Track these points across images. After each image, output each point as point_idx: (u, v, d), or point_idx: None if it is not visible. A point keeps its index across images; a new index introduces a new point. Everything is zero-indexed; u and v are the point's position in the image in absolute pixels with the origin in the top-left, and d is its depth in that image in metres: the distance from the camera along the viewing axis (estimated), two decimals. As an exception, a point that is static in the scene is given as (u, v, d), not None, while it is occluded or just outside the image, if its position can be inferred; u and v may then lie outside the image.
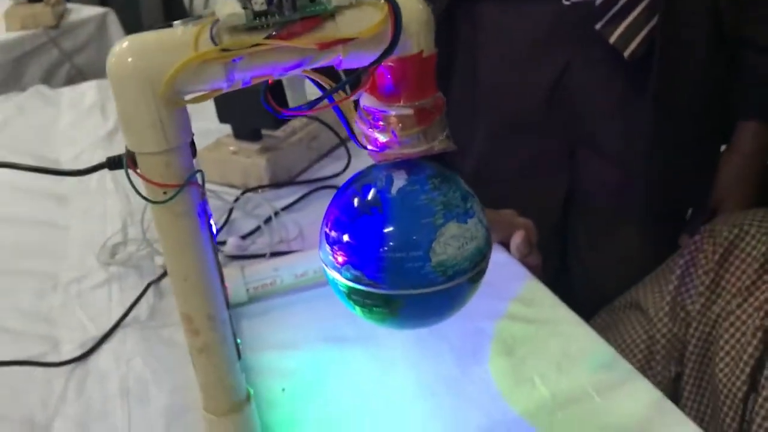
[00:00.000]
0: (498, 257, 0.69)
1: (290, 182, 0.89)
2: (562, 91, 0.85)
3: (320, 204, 0.85)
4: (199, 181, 0.40)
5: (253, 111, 0.84)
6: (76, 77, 1.83)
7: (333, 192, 0.85)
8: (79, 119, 1.17)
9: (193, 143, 0.40)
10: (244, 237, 0.77)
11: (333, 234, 0.44)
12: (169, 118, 0.37)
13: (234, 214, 0.82)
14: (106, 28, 1.99)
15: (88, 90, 1.28)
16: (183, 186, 0.39)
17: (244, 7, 0.36)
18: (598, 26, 0.78)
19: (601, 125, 0.86)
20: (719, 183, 0.91)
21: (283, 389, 0.56)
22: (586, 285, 0.98)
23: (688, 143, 0.87)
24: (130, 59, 0.36)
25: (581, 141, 0.88)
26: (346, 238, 0.43)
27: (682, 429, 0.50)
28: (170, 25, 0.37)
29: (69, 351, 0.63)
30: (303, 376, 0.58)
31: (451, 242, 0.41)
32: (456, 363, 0.58)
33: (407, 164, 0.43)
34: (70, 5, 2.02)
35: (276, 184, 0.88)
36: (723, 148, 0.94)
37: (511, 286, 0.66)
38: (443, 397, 0.54)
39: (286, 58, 0.38)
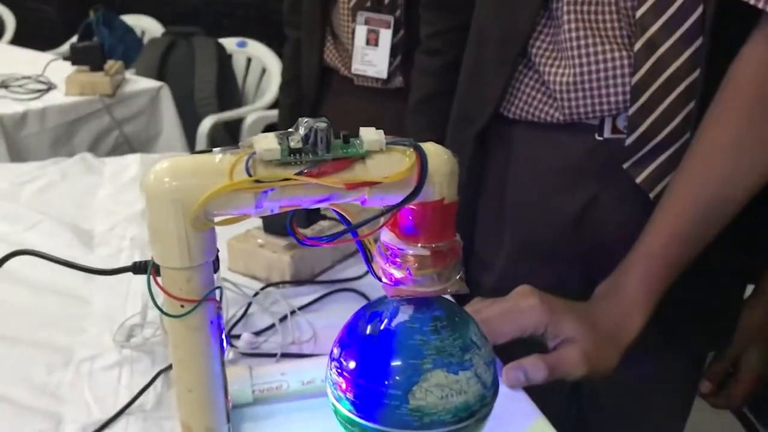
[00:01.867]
0: (507, 390, 0.69)
1: (311, 281, 0.91)
2: (588, 223, 0.86)
3: (337, 306, 0.86)
4: (217, 297, 0.42)
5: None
6: (123, 145, 1.90)
7: (352, 294, 0.88)
8: (119, 191, 1.21)
9: (217, 259, 0.42)
10: (257, 333, 0.78)
11: (335, 350, 0.46)
12: (195, 238, 0.39)
13: (252, 309, 0.83)
14: (159, 101, 2.07)
15: (132, 163, 1.32)
16: (200, 302, 0.40)
17: (280, 143, 0.39)
18: (626, 165, 0.80)
19: None
20: (742, 330, 0.90)
21: (275, 502, 0.56)
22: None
23: (710, 282, 0.86)
24: (166, 179, 0.38)
25: (604, 274, 0.89)
26: (341, 356, 0.45)
27: None
28: (210, 151, 0.40)
29: (71, 432, 0.63)
30: (297, 491, 0.57)
31: (434, 390, 0.42)
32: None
33: (420, 301, 0.44)
34: (128, 76, 2.12)
35: (297, 282, 0.89)
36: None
37: (518, 424, 0.65)
38: None
39: (315, 194, 0.40)
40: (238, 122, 2.71)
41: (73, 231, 1.03)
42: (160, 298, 0.41)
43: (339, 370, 0.45)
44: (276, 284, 0.89)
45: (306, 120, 0.39)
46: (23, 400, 0.68)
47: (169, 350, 0.42)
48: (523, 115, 0.86)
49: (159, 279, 0.41)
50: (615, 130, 0.80)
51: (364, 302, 0.85)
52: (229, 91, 2.79)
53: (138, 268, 0.43)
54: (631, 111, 0.77)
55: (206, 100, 2.65)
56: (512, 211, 0.92)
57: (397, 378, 0.42)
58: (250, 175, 0.38)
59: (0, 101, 1.85)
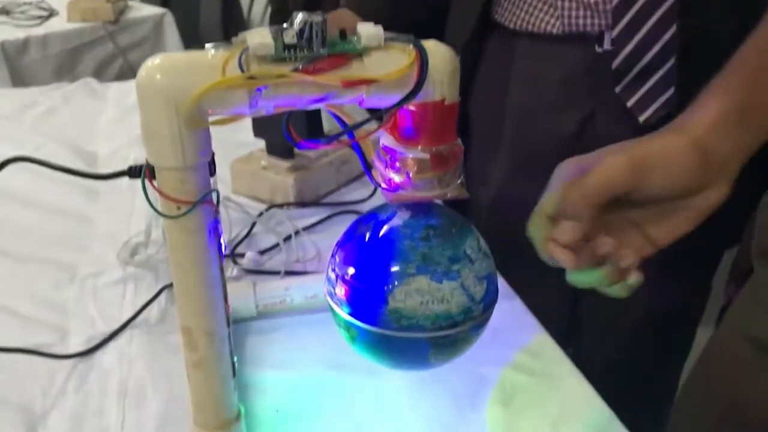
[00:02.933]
0: (512, 306, 0.69)
1: (315, 203, 0.90)
2: (585, 141, 0.85)
3: (341, 228, 0.84)
4: (214, 200, 0.41)
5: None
6: (127, 73, 1.88)
7: (354, 217, 0.87)
8: (122, 116, 1.20)
9: (213, 162, 0.41)
10: (262, 252, 0.78)
11: (334, 250, 0.47)
12: (189, 137, 0.38)
13: (256, 228, 0.83)
14: (163, 29, 2.04)
15: (135, 88, 1.31)
16: (196, 204, 0.39)
17: (275, 39, 0.37)
18: (617, 89, 0.78)
19: None
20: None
21: (278, 410, 0.57)
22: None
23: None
24: (158, 75, 0.37)
25: None
26: (336, 254, 0.46)
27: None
28: (203, 47, 0.39)
29: (76, 344, 0.64)
30: (299, 400, 0.58)
31: (414, 295, 0.42)
32: (453, 407, 0.57)
33: (418, 207, 0.43)
34: (130, 2, 2.08)
35: (301, 203, 0.89)
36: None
37: (520, 337, 0.65)
38: (435, 439, 0.54)
39: (310, 92, 0.38)
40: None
41: (76, 153, 1.03)
42: (157, 202, 0.41)
43: (332, 267, 0.45)
44: (280, 205, 0.88)
45: (300, 14, 0.37)
46: (30, 314, 0.68)
47: (168, 251, 0.42)
48: (524, 26, 0.84)
49: (155, 182, 0.40)
50: (614, 42, 0.78)
51: (368, 223, 0.85)
52: (234, 18, 2.74)
53: (134, 171, 0.42)
54: (615, 32, 0.76)
55: (210, 28, 2.61)
56: (512, 122, 0.90)
57: (381, 278, 0.42)
58: (243, 71, 0.37)
59: (1, 27, 1.82)
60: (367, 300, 0.43)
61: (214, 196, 0.41)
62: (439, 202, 0.44)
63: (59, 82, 1.42)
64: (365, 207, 0.89)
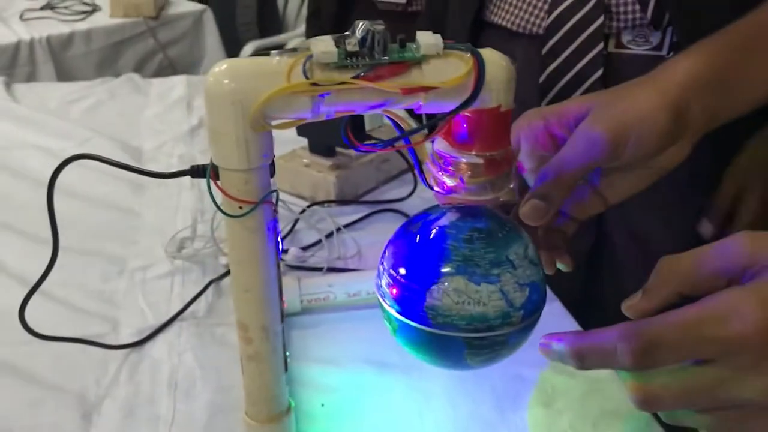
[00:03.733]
0: (551, 308, 0.70)
1: (356, 201, 0.92)
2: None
3: (381, 225, 0.87)
4: (274, 200, 0.43)
5: (329, 128, 0.86)
6: (167, 68, 1.91)
7: (395, 215, 0.88)
8: (165, 111, 1.22)
9: (273, 164, 0.43)
10: (305, 249, 0.80)
11: (386, 244, 0.48)
12: (253, 140, 0.39)
13: (298, 225, 0.85)
14: (202, 25, 2.07)
15: (178, 84, 1.33)
16: (258, 204, 0.41)
17: (337, 46, 0.38)
18: (542, 103, 0.80)
19: None
20: (741, 167, 0.81)
21: (323, 405, 0.58)
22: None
23: None
24: (226, 81, 0.38)
25: None
26: (385, 250, 0.47)
27: None
28: (267, 54, 0.40)
29: (127, 335, 0.66)
30: (343, 395, 0.60)
31: (452, 294, 0.42)
32: (494, 406, 0.58)
33: (467, 210, 0.44)
34: (171, -1, 2.11)
35: (342, 201, 0.90)
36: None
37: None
38: (476, 437, 0.55)
39: (370, 98, 0.40)
40: (278, 49, 2.69)
41: (122, 148, 1.05)
42: (219, 200, 0.42)
43: (381, 260, 0.47)
44: (321, 203, 0.90)
45: (363, 23, 0.38)
46: (81, 305, 0.71)
47: (225, 254, 0.43)
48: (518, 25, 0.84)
49: (218, 182, 0.42)
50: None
51: (408, 222, 0.86)
52: (269, 16, 2.77)
53: (196, 171, 0.43)
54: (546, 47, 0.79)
55: (247, 26, 2.64)
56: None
57: (419, 274, 0.44)
58: (307, 78, 0.38)
59: (47, 22, 1.86)
60: (407, 295, 0.44)
61: (273, 196, 0.42)
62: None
63: (102, 76, 1.45)
64: (405, 205, 0.90)
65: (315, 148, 0.93)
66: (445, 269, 0.43)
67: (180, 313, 0.68)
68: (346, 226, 0.85)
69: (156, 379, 0.61)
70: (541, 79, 0.81)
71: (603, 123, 0.49)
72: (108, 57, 1.85)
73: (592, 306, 0.92)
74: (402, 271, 0.45)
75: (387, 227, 0.86)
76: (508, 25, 0.84)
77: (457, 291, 0.43)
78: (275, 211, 0.43)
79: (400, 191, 0.94)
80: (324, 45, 0.38)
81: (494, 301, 0.43)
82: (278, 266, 0.45)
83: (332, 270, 0.77)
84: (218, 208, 0.41)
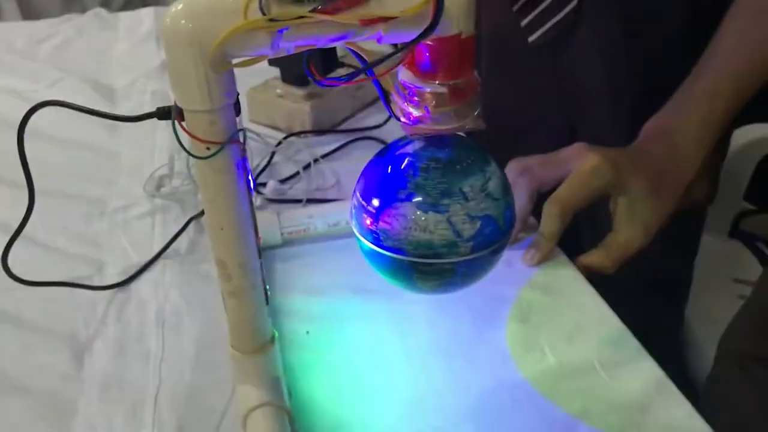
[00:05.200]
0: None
1: (333, 130, 0.92)
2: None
3: (359, 154, 0.88)
4: (241, 138, 0.43)
5: (301, 57, 0.85)
6: (135, 0, 1.86)
7: (373, 142, 0.89)
8: (135, 46, 1.20)
9: (237, 102, 0.43)
10: (283, 181, 0.80)
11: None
12: (215, 80, 0.39)
13: (276, 158, 0.85)
14: (167, -48, 2.00)
15: (146, 17, 1.31)
16: (225, 144, 0.41)
17: (293, -20, 0.38)
18: (515, 8, 0.80)
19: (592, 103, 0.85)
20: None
21: (308, 332, 0.60)
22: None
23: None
24: (183, 21, 0.38)
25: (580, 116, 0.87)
26: (359, 177, 0.50)
27: (680, 410, 0.52)
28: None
29: (112, 275, 0.67)
30: (327, 322, 0.61)
31: (400, 219, 0.44)
32: (472, 325, 0.60)
33: (434, 139, 0.45)
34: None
35: (319, 131, 0.90)
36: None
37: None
38: (456, 355, 0.57)
39: (329, 32, 0.39)
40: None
41: (94, 87, 1.04)
42: (187, 142, 0.42)
43: (353, 191, 0.49)
44: (298, 134, 0.90)
45: (318, -46, 0.38)
46: (65, 248, 0.72)
47: (200, 193, 0.44)
48: None
49: (184, 123, 0.42)
50: None
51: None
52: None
53: (162, 113, 0.43)
54: None
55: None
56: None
57: (374, 198, 0.46)
58: (264, 14, 0.38)
59: (6, -43, 1.80)
60: (364, 218, 0.47)
61: (240, 135, 0.43)
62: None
63: (68, 11, 1.42)
64: (382, 132, 0.91)
65: (288, 78, 0.92)
66: (398, 195, 0.45)
67: (163, 251, 0.69)
68: (324, 156, 0.86)
69: (143, 317, 0.62)
70: (515, 7, 0.80)
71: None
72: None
73: None
74: (363, 195, 0.47)
75: (365, 155, 0.85)
76: None
77: (404, 217, 0.44)
78: (243, 149, 0.43)
79: (376, 118, 0.94)
80: (280, -21, 0.38)
81: (441, 230, 0.44)
82: (251, 203, 0.45)
83: (312, 201, 0.77)
84: (186, 150, 0.41)
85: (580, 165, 0.64)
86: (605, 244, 0.66)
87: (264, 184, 0.79)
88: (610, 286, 0.65)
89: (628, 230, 0.66)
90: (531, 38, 0.80)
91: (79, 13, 1.36)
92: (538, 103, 0.88)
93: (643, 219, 0.65)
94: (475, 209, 0.44)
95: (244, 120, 0.93)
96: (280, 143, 0.87)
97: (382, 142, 0.88)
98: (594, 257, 0.66)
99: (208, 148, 0.41)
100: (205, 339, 0.59)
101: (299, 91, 0.91)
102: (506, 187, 0.47)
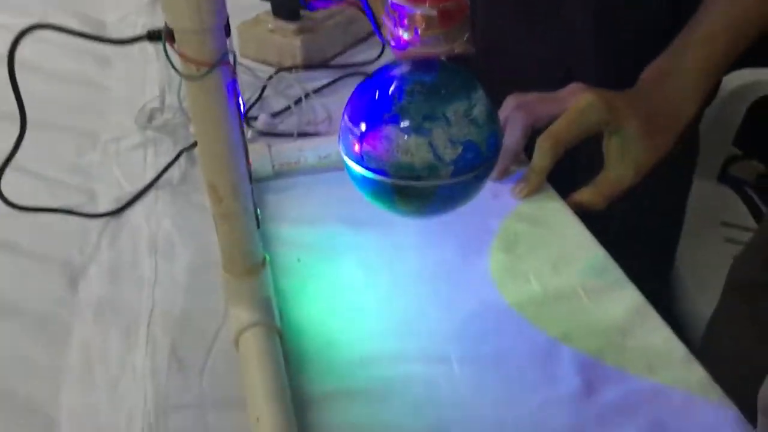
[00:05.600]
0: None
1: (324, 65, 0.91)
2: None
3: (349, 90, 0.86)
4: (231, 61, 0.43)
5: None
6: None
7: (364, 78, 0.88)
8: (125, -20, 1.18)
9: (227, 25, 0.43)
10: (274, 115, 0.81)
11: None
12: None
13: (266, 92, 0.85)
14: None
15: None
16: (215, 65, 0.42)
17: None
18: None
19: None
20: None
21: (299, 259, 0.61)
22: None
23: None
24: (172, -61, 0.38)
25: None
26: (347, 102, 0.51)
27: (659, 333, 0.54)
28: None
29: (105, 204, 0.68)
30: (318, 250, 0.63)
31: (383, 141, 0.46)
32: (458, 253, 0.62)
33: (422, 64, 0.46)
34: None
35: (310, 66, 0.90)
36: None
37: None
38: (442, 281, 0.59)
39: (320, -49, 0.40)
40: None
41: (84, 22, 1.03)
42: (177, 64, 0.43)
43: (342, 114, 0.50)
44: (289, 69, 0.90)
45: None
46: (56, 177, 0.72)
47: (191, 122, 0.45)
48: None
49: (175, 45, 0.42)
50: None
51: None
52: None
53: (153, 35, 0.44)
54: None
55: None
56: None
57: (360, 120, 0.47)
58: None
59: None
60: (350, 139, 0.48)
61: (231, 56, 0.43)
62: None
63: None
64: (374, 67, 0.90)
65: (279, 12, 0.92)
66: (382, 118, 0.46)
67: (155, 180, 0.70)
68: (315, 91, 0.86)
69: (137, 245, 0.63)
70: None
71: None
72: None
73: None
74: (350, 118, 0.48)
75: (356, 90, 0.87)
76: None
77: (388, 139, 0.45)
78: (233, 71, 0.44)
79: (368, 54, 0.94)
80: None
81: (422, 153, 0.45)
82: (241, 127, 0.46)
83: (303, 135, 0.78)
84: (176, 70, 0.42)
85: (575, 102, 0.65)
86: (596, 182, 0.68)
87: (255, 118, 0.79)
88: (603, 228, 0.66)
89: (619, 168, 0.67)
90: None
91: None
92: (532, 45, 0.88)
93: (634, 158, 0.67)
94: (458, 134, 0.45)
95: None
96: (270, 77, 0.87)
97: (374, 77, 0.88)
98: (585, 194, 0.67)
99: (198, 69, 0.42)
100: (197, 265, 0.61)
101: (290, 26, 0.90)
102: (492, 114, 0.48)
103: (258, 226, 0.51)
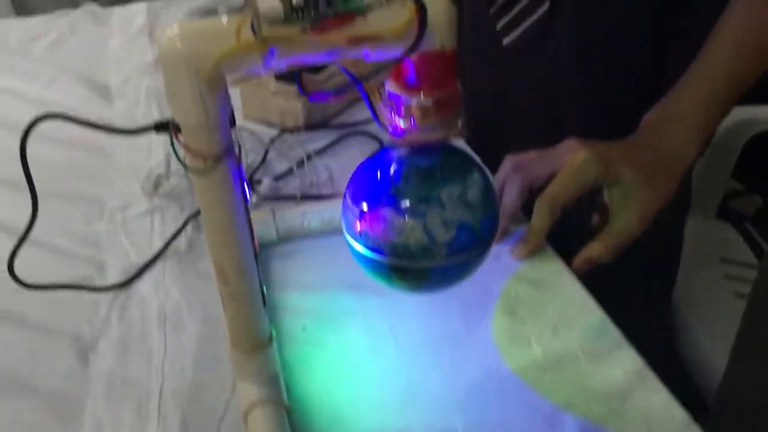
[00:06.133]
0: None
1: (325, 125, 0.94)
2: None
3: (351, 148, 0.90)
4: (236, 150, 0.45)
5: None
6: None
7: (365, 137, 0.91)
8: (128, 42, 1.21)
9: (232, 115, 0.45)
10: (277, 178, 0.82)
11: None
12: (210, 97, 0.41)
13: (269, 155, 0.87)
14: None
15: (138, 13, 1.32)
16: (222, 157, 0.43)
17: (282, 1, 0.40)
18: (491, 11, 0.83)
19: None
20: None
21: (304, 327, 0.62)
22: None
23: None
24: (178, 44, 0.40)
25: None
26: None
27: (659, 397, 0.54)
28: (216, 12, 0.41)
29: (113, 275, 0.69)
30: (322, 317, 0.64)
31: (379, 222, 0.47)
32: (462, 318, 0.63)
33: (418, 149, 0.47)
34: None
35: (311, 127, 0.92)
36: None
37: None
38: (446, 349, 0.60)
39: (319, 50, 0.41)
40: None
41: (89, 86, 1.05)
42: (184, 154, 0.44)
43: (344, 192, 0.52)
44: (291, 130, 0.92)
45: (306, -23, 0.40)
46: (66, 248, 0.74)
47: (197, 200, 0.46)
48: None
49: (180, 137, 0.44)
50: None
51: (376, 144, 0.89)
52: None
53: (160, 126, 0.45)
54: None
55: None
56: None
57: (360, 200, 0.49)
58: (255, 35, 0.40)
59: (-5, -49, 1.80)
60: (350, 217, 0.50)
61: (236, 146, 0.45)
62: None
63: (59, 3, 1.42)
64: (373, 127, 0.92)
65: (280, 75, 0.94)
66: (380, 199, 0.48)
67: (163, 250, 0.71)
68: (317, 152, 0.88)
69: (145, 316, 0.65)
70: (492, 10, 0.82)
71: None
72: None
73: None
74: (350, 196, 0.50)
75: (357, 150, 0.89)
76: None
77: (384, 220, 0.47)
78: (239, 159, 0.45)
79: (367, 113, 0.95)
80: (270, 1, 0.40)
81: (416, 235, 0.47)
82: (247, 210, 0.48)
83: (306, 198, 0.79)
84: (183, 164, 0.44)
85: (570, 160, 0.67)
86: (603, 235, 0.68)
87: (259, 182, 0.81)
88: (600, 271, 0.68)
89: (623, 218, 0.68)
90: (505, 41, 0.82)
91: (71, 8, 1.37)
92: (520, 94, 0.90)
93: (637, 207, 0.67)
94: (452, 216, 0.47)
95: (238, 117, 0.95)
96: (273, 141, 0.89)
97: (374, 136, 0.90)
98: (594, 249, 0.68)
99: (205, 162, 0.43)
100: (205, 336, 0.62)
101: (292, 88, 0.93)
102: (489, 196, 0.49)
103: (264, 304, 0.52)
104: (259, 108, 0.95)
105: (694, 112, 0.71)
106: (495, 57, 0.88)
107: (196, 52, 0.40)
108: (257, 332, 0.52)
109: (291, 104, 0.92)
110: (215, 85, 0.41)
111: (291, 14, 0.40)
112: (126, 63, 1.13)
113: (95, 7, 1.35)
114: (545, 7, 0.79)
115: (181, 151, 0.44)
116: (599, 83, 0.84)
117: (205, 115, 0.42)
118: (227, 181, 0.45)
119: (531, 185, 0.69)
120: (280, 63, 0.42)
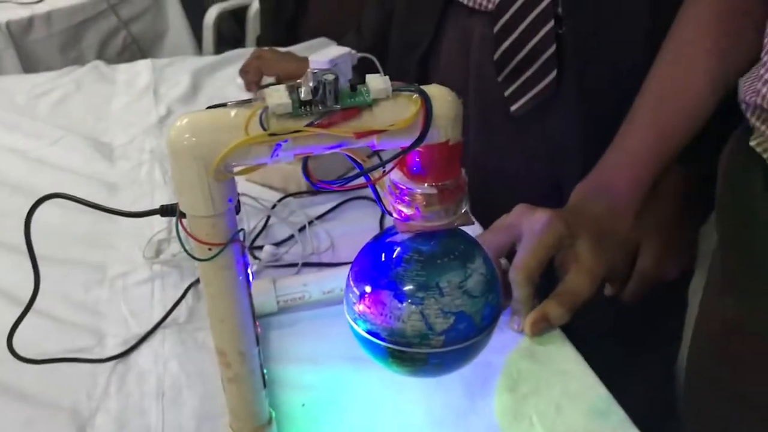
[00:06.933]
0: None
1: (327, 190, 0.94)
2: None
3: (353, 213, 0.90)
4: (241, 238, 0.45)
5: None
6: (131, 45, 1.89)
7: (367, 202, 0.91)
8: (133, 101, 1.23)
9: (238, 203, 0.45)
10: (278, 244, 0.82)
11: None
12: (217, 188, 0.42)
13: (271, 220, 0.87)
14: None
15: (143, 70, 1.33)
16: (226, 245, 0.43)
17: (291, 97, 0.41)
18: (499, 78, 0.85)
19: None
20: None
21: (303, 404, 0.62)
22: None
23: None
24: (187, 135, 0.41)
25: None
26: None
27: (664, 483, 0.54)
28: (225, 105, 0.42)
29: (113, 346, 0.69)
30: (322, 393, 0.63)
31: (378, 305, 0.48)
32: (465, 394, 0.62)
33: (423, 234, 0.48)
34: (130, -27, 2.07)
35: (313, 192, 0.93)
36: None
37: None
38: (449, 427, 0.59)
39: (326, 143, 0.42)
40: (243, 10, 2.65)
41: (93, 145, 1.06)
42: (189, 242, 0.44)
43: (348, 273, 0.52)
44: (293, 195, 0.92)
45: (314, 72, 0.40)
46: (66, 317, 0.73)
47: (202, 285, 0.46)
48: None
49: (185, 223, 0.44)
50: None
51: (378, 210, 0.89)
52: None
53: (165, 210, 0.46)
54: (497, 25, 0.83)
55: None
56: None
57: (360, 281, 0.50)
58: (264, 129, 0.40)
59: (4, 6, 1.83)
60: (350, 298, 0.51)
61: (241, 235, 0.45)
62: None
63: (65, 59, 1.45)
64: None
65: (283, 140, 0.95)
66: (379, 283, 0.48)
67: (162, 320, 0.71)
68: (319, 217, 0.88)
69: (144, 390, 0.64)
70: (496, 56, 0.84)
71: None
72: (71, 38, 1.82)
73: None
74: (352, 277, 0.51)
75: (359, 215, 0.89)
76: (467, 2, 0.87)
77: (382, 304, 0.47)
78: (243, 247, 0.46)
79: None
80: (278, 96, 0.41)
81: (413, 321, 0.47)
82: (250, 296, 0.47)
83: (307, 265, 0.79)
84: (188, 253, 0.44)
85: (530, 226, 0.67)
86: (555, 294, 0.68)
87: (260, 248, 0.81)
88: (600, 345, 0.67)
89: (576, 279, 0.68)
90: (513, 108, 0.83)
91: (77, 63, 1.39)
92: (523, 161, 0.91)
93: (588, 268, 0.68)
94: (450, 305, 0.47)
95: (240, 181, 0.95)
96: (275, 205, 0.89)
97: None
98: (547, 307, 0.67)
99: (210, 249, 0.44)
100: (204, 412, 0.61)
101: (294, 153, 0.93)
102: (489, 284, 0.49)
103: (264, 386, 0.52)
104: (262, 173, 0.95)
105: (629, 186, 0.73)
106: (499, 118, 0.89)
107: (205, 144, 0.40)
108: (257, 415, 0.51)
109: (294, 169, 0.92)
110: (222, 176, 0.41)
111: (299, 109, 0.41)
112: (130, 123, 1.15)
113: (101, 65, 1.37)
114: (553, 75, 0.80)
115: (185, 237, 0.44)
116: (601, 147, 0.84)
117: (212, 206, 0.42)
118: (231, 266, 0.45)
119: (493, 258, 0.69)
120: (287, 154, 0.42)
